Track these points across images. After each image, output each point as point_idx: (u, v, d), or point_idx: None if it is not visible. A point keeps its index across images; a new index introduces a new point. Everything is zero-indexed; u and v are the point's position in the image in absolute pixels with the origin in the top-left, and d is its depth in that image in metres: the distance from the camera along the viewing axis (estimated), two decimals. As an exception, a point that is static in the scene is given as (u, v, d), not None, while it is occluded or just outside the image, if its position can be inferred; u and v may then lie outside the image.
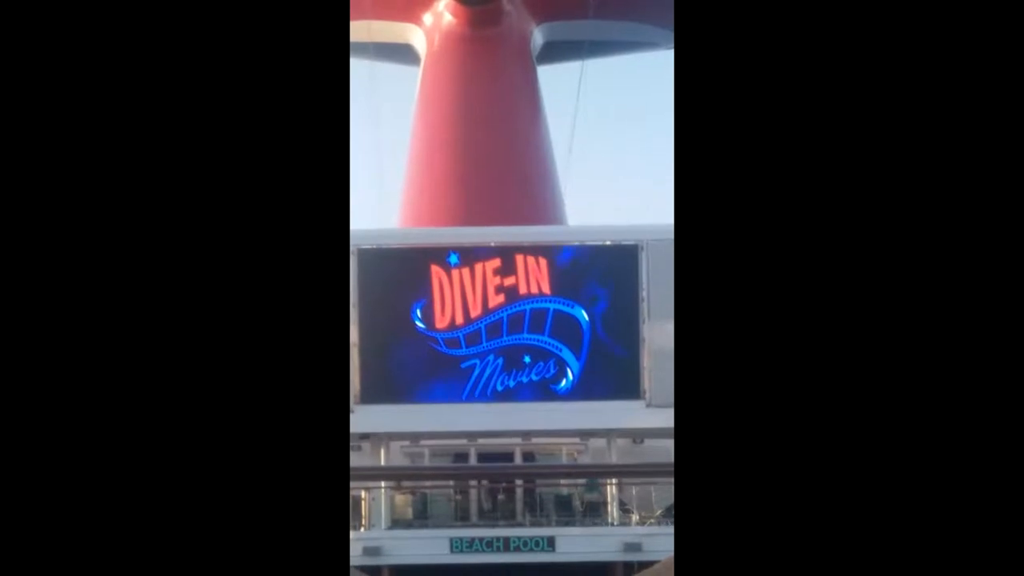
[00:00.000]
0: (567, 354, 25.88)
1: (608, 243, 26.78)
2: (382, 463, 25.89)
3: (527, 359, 25.86)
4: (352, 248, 24.08)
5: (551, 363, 25.87)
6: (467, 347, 25.96)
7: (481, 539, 24.55)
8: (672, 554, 3.64)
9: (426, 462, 28.06)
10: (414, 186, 37.23)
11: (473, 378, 25.84)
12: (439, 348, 25.96)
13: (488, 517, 26.46)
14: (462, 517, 26.48)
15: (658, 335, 24.81)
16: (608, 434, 26.11)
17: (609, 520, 25.70)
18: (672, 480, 3.20)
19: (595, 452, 27.67)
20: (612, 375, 25.82)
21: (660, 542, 22.18)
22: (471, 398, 25.77)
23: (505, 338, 25.92)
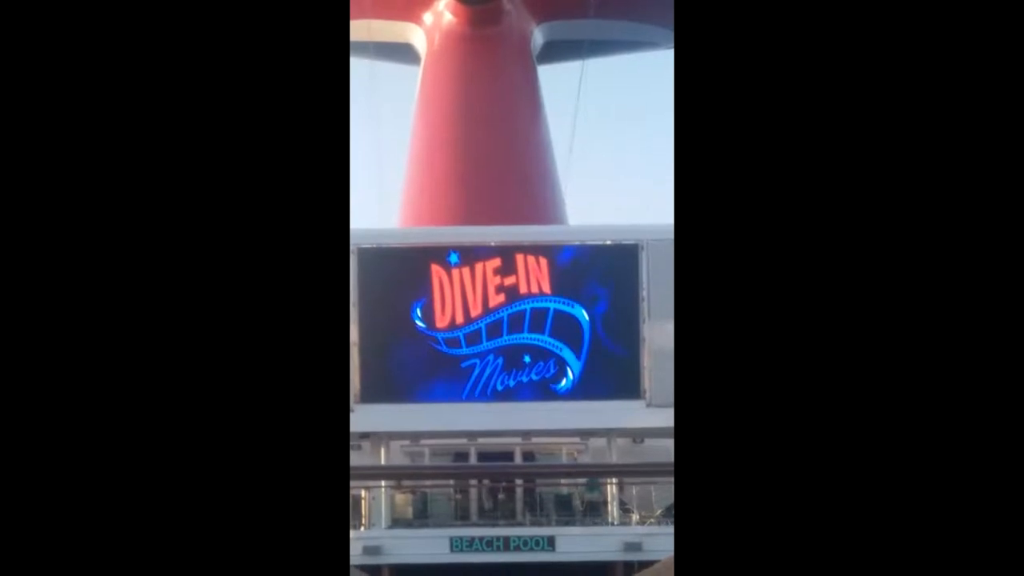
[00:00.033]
0: (567, 354, 25.89)
1: (608, 243, 26.78)
2: (382, 462, 25.90)
3: (527, 359, 25.87)
4: (352, 247, 24.09)
5: (551, 363, 25.87)
6: (467, 346, 25.97)
7: (481, 538, 24.56)
8: (672, 554, 3.64)
9: (426, 462, 28.07)
10: (414, 185, 37.24)
11: (473, 377, 25.85)
12: (439, 347, 25.96)
13: (488, 516, 26.48)
14: (462, 516, 26.50)
15: (658, 335, 24.81)
16: (608, 434, 26.12)
17: (609, 520, 25.71)
18: (672, 480, 3.20)
19: (595, 452, 27.68)
20: (612, 375, 25.83)
21: (660, 542, 22.19)
22: (471, 397, 25.78)
23: (505, 337, 25.94)
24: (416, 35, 38.82)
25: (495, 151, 35.80)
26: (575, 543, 24.65)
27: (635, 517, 25.79)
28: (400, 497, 26.62)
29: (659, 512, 25.28)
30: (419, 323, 25.97)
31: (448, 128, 36.72)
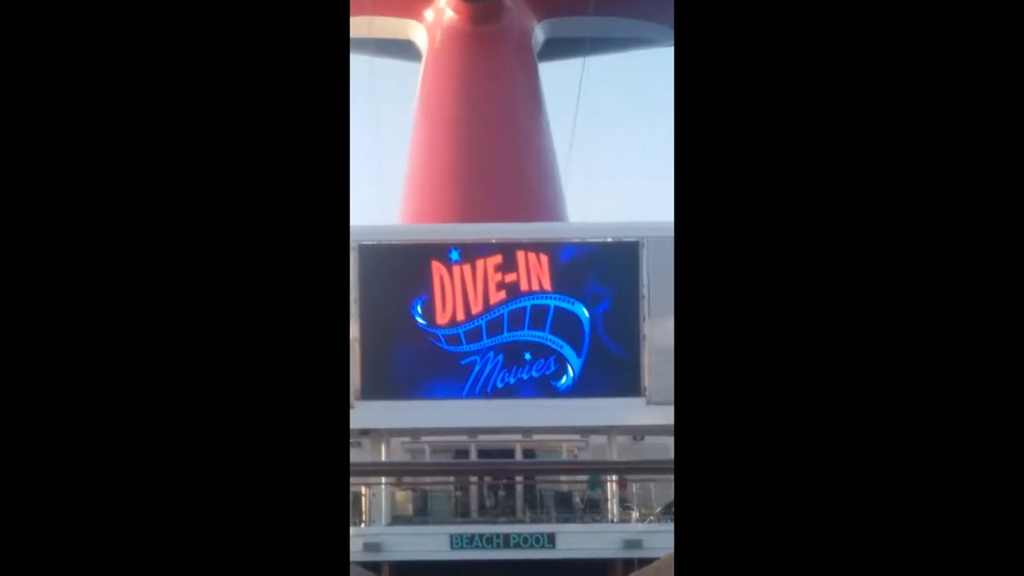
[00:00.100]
0: (568, 351, 25.89)
1: (609, 240, 26.79)
2: (383, 459, 25.91)
3: (528, 355, 25.87)
4: (353, 244, 24.09)
5: (552, 360, 25.88)
6: (468, 343, 25.97)
7: (481, 535, 24.57)
8: (672, 551, 3.64)
9: (427, 458, 28.08)
10: (415, 182, 37.23)
11: (474, 374, 25.85)
12: (440, 344, 25.97)
13: (488, 513, 26.49)
14: (462, 513, 26.52)
15: (658, 332, 24.81)
16: (608, 431, 26.12)
17: (609, 517, 25.72)
18: (672, 477, 3.20)
19: (595, 449, 27.69)
20: (612, 372, 25.83)
21: (660, 539, 22.21)
22: (472, 394, 25.78)
23: (506, 335, 25.94)
24: (417, 32, 38.80)
25: (496, 148, 35.79)
26: (575, 540, 24.66)
27: (635, 514, 25.80)
28: (400, 494, 26.64)
29: (659, 509, 25.30)
30: (420, 320, 25.98)
31: (449, 125, 36.70)
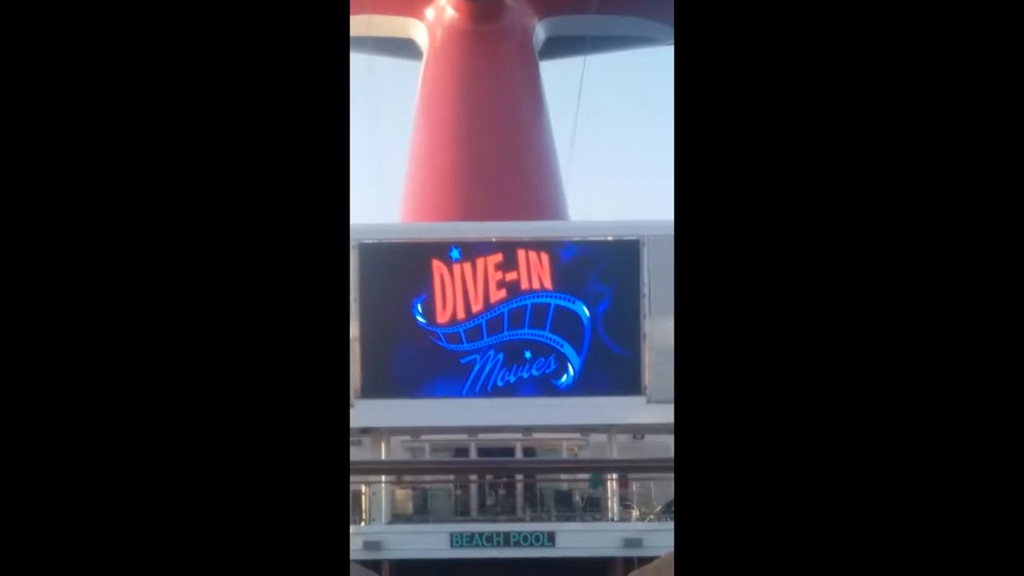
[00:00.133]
0: (568, 349, 25.91)
1: (609, 238, 26.81)
2: (383, 457, 25.94)
3: (528, 354, 25.89)
4: (353, 242, 24.10)
5: (552, 358, 25.90)
6: (468, 342, 25.99)
7: (481, 534, 24.60)
8: (672, 550, 3.64)
9: (427, 457, 28.11)
10: (416, 181, 37.26)
11: (474, 373, 25.87)
12: (440, 343, 25.99)
13: (488, 512, 26.51)
14: (462, 512, 26.54)
15: (659, 330, 24.83)
16: (609, 430, 26.14)
17: (609, 515, 25.74)
18: (672, 476, 3.20)
19: (595, 447, 27.71)
20: (613, 370, 25.85)
21: (660, 538, 22.24)
22: (471, 393, 25.80)
23: (506, 333, 25.96)
24: (418, 30, 38.82)
25: (497, 147, 35.81)
26: (575, 539, 24.69)
27: (635, 513, 25.83)
28: (400, 492, 26.67)
29: (659, 508, 25.32)
30: (420, 319, 25.99)
31: (450, 124, 36.72)
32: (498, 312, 26.00)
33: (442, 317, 25.99)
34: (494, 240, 26.47)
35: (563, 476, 25.59)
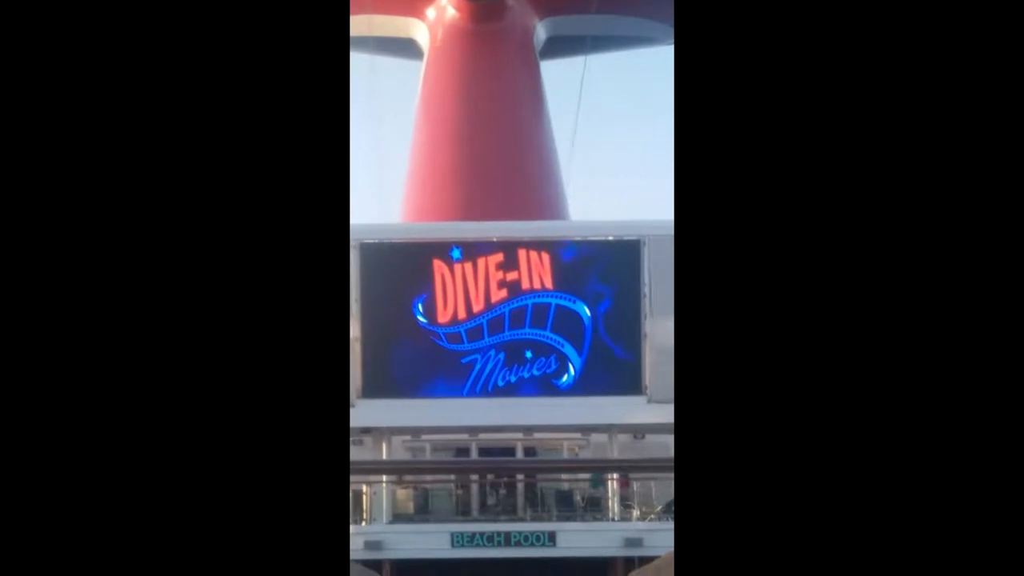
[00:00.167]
0: (569, 349, 25.92)
1: (610, 238, 26.81)
2: (384, 457, 25.95)
3: (529, 354, 25.90)
4: (354, 242, 24.12)
5: (552, 358, 25.91)
6: (469, 342, 26.00)
7: (482, 534, 24.61)
8: (672, 549, 3.64)
9: (428, 457, 28.13)
10: (416, 180, 37.27)
11: (474, 373, 25.88)
12: (441, 343, 25.99)
13: (489, 512, 26.52)
14: (463, 512, 26.55)
15: (659, 330, 24.84)
16: (609, 429, 26.14)
17: (610, 515, 25.75)
18: (673, 476, 3.20)
19: (596, 447, 27.72)
20: (613, 370, 25.86)
21: (661, 537, 22.25)
22: (472, 393, 25.81)
23: (507, 333, 25.97)
24: (419, 30, 38.83)
25: (498, 146, 35.82)
26: (576, 539, 24.70)
27: (636, 513, 25.84)
28: (401, 492, 26.67)
29: (660, 508, 25.34)
30: (421, 318, 26.00)
31: (450, 123, 36.73)
32: (499, 312, 26.01)
33: (443, 317, 25.99)
34: (495, 240, 26.48)
35: (564, 476, 25.61)
